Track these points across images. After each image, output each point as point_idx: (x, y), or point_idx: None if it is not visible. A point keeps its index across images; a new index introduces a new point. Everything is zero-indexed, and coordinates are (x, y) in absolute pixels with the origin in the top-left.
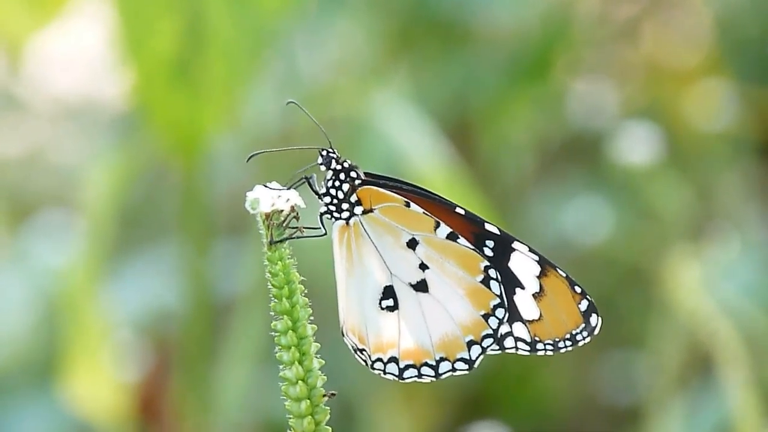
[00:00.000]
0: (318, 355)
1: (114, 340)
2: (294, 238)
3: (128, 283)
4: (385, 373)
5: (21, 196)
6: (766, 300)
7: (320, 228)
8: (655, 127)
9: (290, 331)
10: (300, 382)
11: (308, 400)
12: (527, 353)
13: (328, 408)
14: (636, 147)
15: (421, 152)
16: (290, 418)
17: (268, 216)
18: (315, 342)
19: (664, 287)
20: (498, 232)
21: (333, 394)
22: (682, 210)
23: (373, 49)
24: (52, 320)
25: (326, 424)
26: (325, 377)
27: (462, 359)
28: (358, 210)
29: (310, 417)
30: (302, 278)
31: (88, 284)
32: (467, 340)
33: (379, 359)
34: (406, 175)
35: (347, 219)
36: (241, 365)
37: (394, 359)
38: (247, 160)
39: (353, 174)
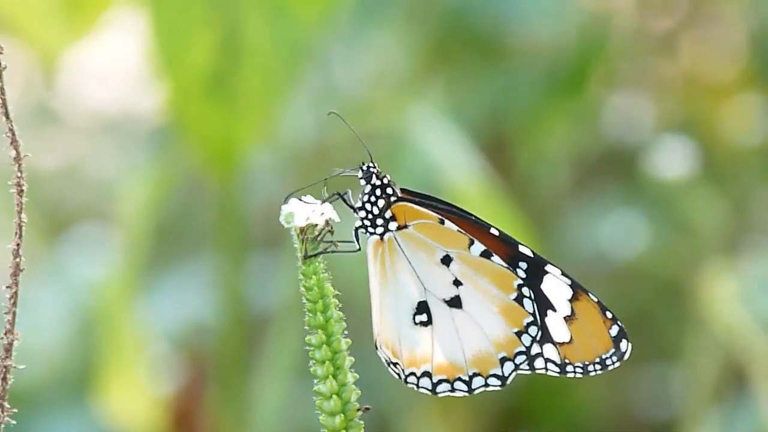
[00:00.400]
0: (353, 370)
1: (149, 354)
2: (328, 252)
3: (164, 297)
4: (418, 387)
5: (57, 210)
6: None
7: (354, 242)
8: (691, 141)
9: (324, 346)
10: (334, 396)
11: (342, 415)
12: (557, 375)
13: (363, 422)
14: (672, 161)
15: (457, 166)
16: None
17: (302, 230)
18: (349, 356)
19: (699, 301)
20: (531, 255)
21: (367, 409)
22: (717, 224)
23: (409, 63)
24: (87, 333)
25: None
26: (360, 391)
27: (495, 375)
28: (392, 226)
29: (344, 431)
30: (337, 292)
31: (123, 298)
32: (500, 356)
33: (413, 373)
34: (441, 189)
35: (382, 234)
36: (276, 379)
37: (427, 374)
38: (285, 201)
39: (389, 190)
